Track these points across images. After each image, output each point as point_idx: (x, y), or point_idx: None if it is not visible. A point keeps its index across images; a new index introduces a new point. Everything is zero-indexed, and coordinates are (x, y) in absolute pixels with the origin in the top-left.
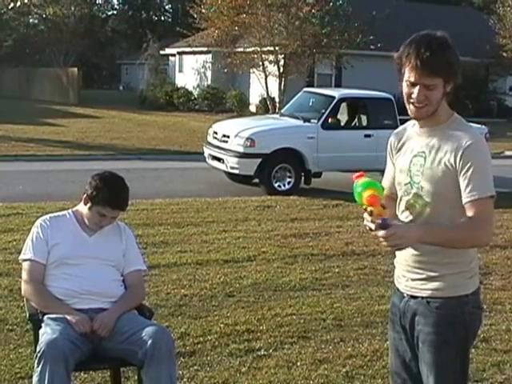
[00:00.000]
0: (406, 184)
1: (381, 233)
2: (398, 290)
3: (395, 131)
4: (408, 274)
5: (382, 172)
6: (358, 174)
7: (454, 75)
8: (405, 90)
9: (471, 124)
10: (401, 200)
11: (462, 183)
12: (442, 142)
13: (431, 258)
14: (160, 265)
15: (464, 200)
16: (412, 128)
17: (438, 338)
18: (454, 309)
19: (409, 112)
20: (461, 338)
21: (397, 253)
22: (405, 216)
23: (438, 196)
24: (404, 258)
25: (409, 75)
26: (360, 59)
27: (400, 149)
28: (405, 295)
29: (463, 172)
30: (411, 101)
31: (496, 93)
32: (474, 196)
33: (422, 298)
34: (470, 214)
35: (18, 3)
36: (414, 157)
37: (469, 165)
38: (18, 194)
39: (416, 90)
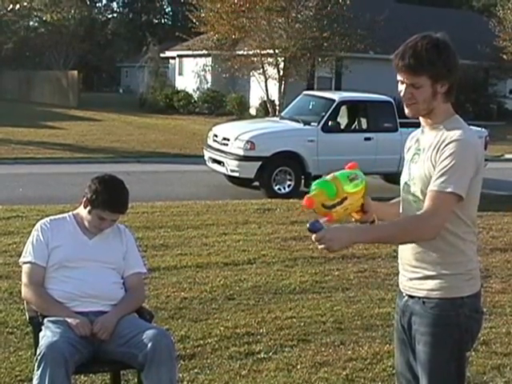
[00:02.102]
0: (406, 182)
1: (313, 236)
2: (400, 289)
3: (411, 134)
4: (407, 274)
5: (382, 175)
6: (350, 164)
7: (442, 74)
8: (398, 88)
9: (471, 127)
10: (402, 196)
11: (434, 174)
12: (434, 141)
13: (429, 256)
14: (160, 267)
15: (427, 189)
16: (421, 129)
17: (432, 338)
18: (448, 310)
19: None
20: (455, 339)
21: (399, 253)
22: (403, 213)
23: (426, 193)
24: (405, 257)
25: (397, 74)
26: (360, 63)
27: (409, 149)
28: (404, 295)
29: (437, 164)
30: (402, 99)
31: (496, 96)
32: (434, 187)
33: (419, 298)
34: (425, 202)
35: (18, 6)
36: (413, 155)
37: (443, 158)
38: (18, 197)
39: (403, 87)
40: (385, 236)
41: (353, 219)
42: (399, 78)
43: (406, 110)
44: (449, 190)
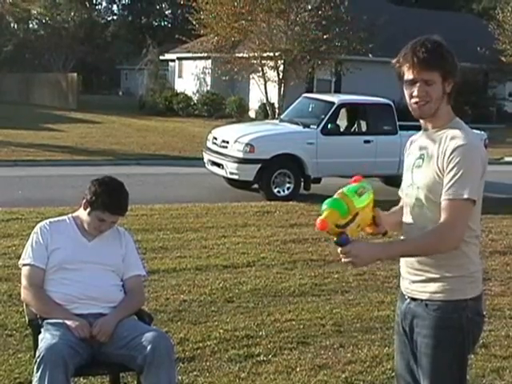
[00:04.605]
0: (408, 186)
1: (338, 249)
2: (402, 292)
3: (411, 138)
4: (410, 276)
5: (381, 177)
6: (355, 177)
7: (451, 72)
8: (406, 91)
9: (472, 130)
10: (404, 201)
11: (444, 184)
12: (438, 145)
13: (432, 259)
14: (159, 270)
15: (441, 199)
16: (422, 132)
17: (433, 341)
18: (451, 313)
19: (412, 113)
20: (457, 342)
21: None
22: (406, 217)
23: (431, 198)
24: (408, 260)
25: (408, 74)
26: (359, 65)
27: (410, 153)
28: (406, 297)
29: (446, 172)
30: (413, 100)
31: (495, 99)
32: (448, 195)
33: (422, 300)
34: (442, 213)
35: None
36: (416, 159)
37: (452, 165)
38: (18, 199)
39: (416, 86)
40: (408, 251)
41: (364, 233)
42: (410, 77)
43: (418, 112)
44: (465, 196)
